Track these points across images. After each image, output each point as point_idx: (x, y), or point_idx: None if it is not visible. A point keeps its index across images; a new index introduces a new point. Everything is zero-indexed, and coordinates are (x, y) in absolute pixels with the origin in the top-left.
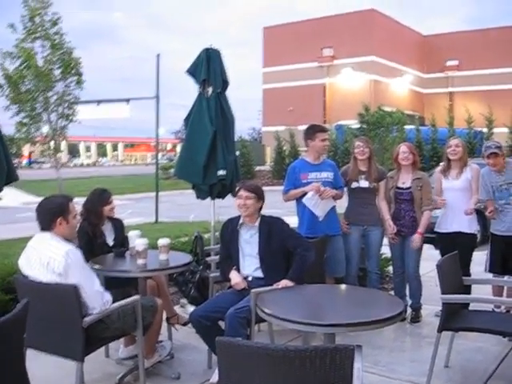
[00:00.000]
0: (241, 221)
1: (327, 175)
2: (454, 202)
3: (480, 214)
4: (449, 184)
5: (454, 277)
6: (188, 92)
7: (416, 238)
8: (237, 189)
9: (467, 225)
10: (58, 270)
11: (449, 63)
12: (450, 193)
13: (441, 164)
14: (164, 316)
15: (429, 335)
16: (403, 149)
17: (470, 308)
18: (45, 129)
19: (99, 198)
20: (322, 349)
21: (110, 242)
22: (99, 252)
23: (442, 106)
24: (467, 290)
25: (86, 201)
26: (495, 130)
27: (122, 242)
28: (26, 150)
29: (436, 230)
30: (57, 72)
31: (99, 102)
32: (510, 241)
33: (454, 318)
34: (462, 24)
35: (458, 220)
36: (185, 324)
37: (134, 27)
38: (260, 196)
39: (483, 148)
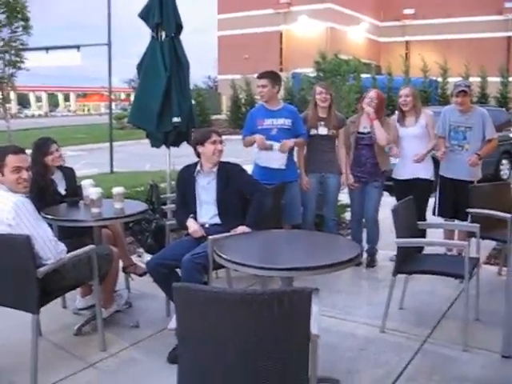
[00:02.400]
0: (198, 168)
1: (283, 121)
2: (411, 149)
3: (435, 160)
4: (405, 132)
5: (409, 221)
6: (142, 39)
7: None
8: (203, 135)
9: (423, 171)
10: (8, 221)
11: (405, 11)
12: (406, 140)
13: (396, 113)
14: (121, 265)
15: (384, 279)
16: (371, 94)
17: (424, 252)
18: None
19: (39, 149)
20: (279, 292)
21: (62, 191)
22: (51, 201)
23: (398, 55)
24: (422, 234)
25: (31, 152)
26: (450, 80)
27: (74, 191)
28: None
29: (393, 176)
30: (1, 17)
31: (48, 48)
32: (457, 184)
33: (408, 262)
34: None
35: (414, 166)
36: (141, 275)
37: None
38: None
39: (453, 87)
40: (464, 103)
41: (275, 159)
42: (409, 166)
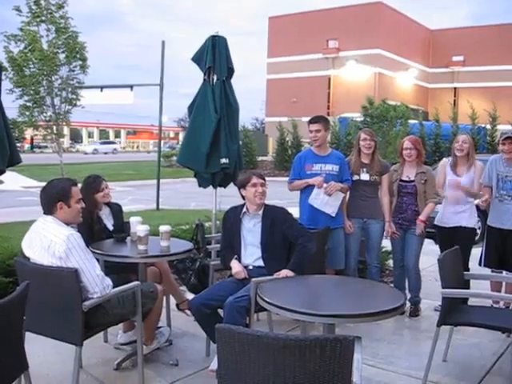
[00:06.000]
0: (244, 210)
1: (332, 168)
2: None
3: (480, 209)
4: (453, 180)
5: (455, 272)
6: (191, 81)
7: (418, 225)
8: (244, 178)
9: (466, 219)
10: (59, 254)
11: (454, 59)
12: (451, 188)
13: (444, 159)
14: (173, 302)
15: (427, 329)
16: (406, 144)
17: (469, 303)
18: (48, 113)
19: (90, 186)
20: (322, 339)
21: (110, 226)
22: (99, 237)
23: (446, 102)
24: (466, 284)
25: (81, 188)
26: (499, 127)
27: (121, 226)
28: (29, 134)
29: (436, 223)
30: (61, 56)
31: (103, 87)
32: (505, 234)
33: (454, 313)
34: (467, 20)
35: (457, 214)
36: None
37: (140, 14)
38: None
39: (500, 135)
40: (511, 151)
41: (330, 205)
42: (452, 213)
